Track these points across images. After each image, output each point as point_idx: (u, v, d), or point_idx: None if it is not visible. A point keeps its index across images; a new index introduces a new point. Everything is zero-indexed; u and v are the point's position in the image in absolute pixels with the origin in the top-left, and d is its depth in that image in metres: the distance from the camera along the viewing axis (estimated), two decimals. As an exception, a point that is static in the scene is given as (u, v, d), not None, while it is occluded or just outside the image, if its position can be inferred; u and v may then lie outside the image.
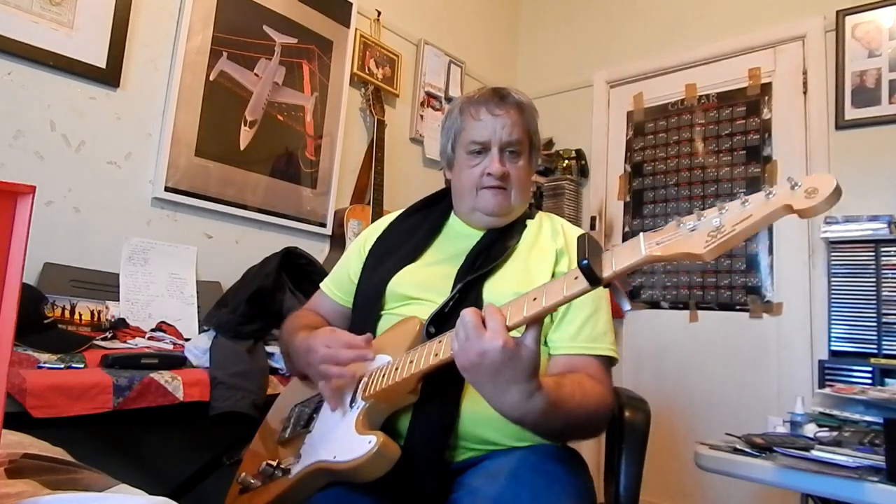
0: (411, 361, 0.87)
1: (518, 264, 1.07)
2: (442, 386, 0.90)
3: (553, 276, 1.04)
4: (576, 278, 0.70)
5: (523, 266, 1.06)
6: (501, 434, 0.95)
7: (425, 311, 0.99)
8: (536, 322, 0.75)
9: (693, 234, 0.64)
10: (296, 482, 0.92)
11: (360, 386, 0.94)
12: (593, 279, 0.68)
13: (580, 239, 0.71)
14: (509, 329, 0.74)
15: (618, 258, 0.68)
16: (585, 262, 0.67)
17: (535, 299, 0.74)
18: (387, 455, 0.83)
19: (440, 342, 0.85)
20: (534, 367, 0.75)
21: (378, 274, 1.11)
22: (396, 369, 0.88)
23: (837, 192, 0.57)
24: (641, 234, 0.68)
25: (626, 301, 0.72)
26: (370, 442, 0.83)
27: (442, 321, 0.95)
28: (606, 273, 0.68)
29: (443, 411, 0.91)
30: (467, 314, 0.76)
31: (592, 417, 0.89)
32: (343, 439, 0.87)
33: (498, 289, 1.01)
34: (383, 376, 0.90)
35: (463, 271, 1.04)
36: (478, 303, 0.99)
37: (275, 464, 0.97)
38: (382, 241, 1.19)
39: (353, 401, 0.92)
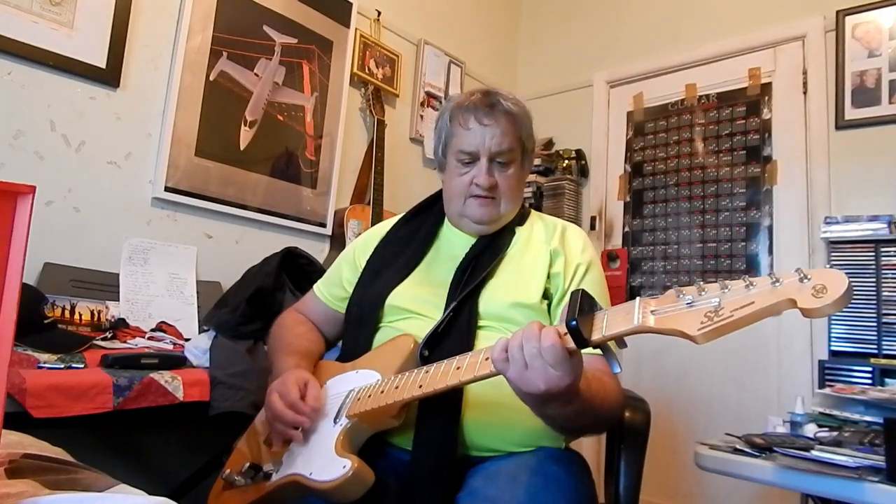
0: (397, 387, 0.87)
1: (511, 272, 1.06)
2: (442, 402, 0.91)
3: (549, 276, 1.04)
4: (564, 334, 0.68)
5: (515, 273, 1.06)
6: (504, 441, 0.95)
7: (421, 326, 0.99)
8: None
9: (690, 311, 0.61)
10: (274, 489, 0.92)
11: (348, 402, 0.93)
12: (580, 341, 0.66)
13: (573, 295, 0.69)
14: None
15: (610, 322, 0.66)
16: (574, 322, 0.65)
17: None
18: (360, 481, 0.83)
19: (427, 372, 0.85)
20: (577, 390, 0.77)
21: (376, 287, 1.11)
22: (382, 392, 0.88)
23: (848, 294, 0.53)
24: (639, 298, 0.66)
25: (617, 363, 0.68)
26: (345, 466, 0.82)
27: (437, 341, 0.96)
28: (595, 336, 0.66)
29: (446, 425, 0.92)
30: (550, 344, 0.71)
31: (612, 407, 0.92)
32: (322, 457, 0.87)
33: (494, 300, 1.01)
34: (369, 397, 0.90)
35: (454, 286, 1.04)
36: (472, 318, 0.99)
37: (257, 466, 0.97)
38: (378, 253, 1.18)
39: (337, 417, 0.92)
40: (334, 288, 1.22)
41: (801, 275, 0.56)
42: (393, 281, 1.09)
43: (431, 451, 0.91)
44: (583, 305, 0.67)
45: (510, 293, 1.02)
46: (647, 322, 0.63)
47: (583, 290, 0.70)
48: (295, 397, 0.93)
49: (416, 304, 1.05)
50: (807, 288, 0.55)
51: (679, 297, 0.63)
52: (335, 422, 0.91)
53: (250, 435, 1.11)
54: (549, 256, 1.06)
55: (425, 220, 1.22)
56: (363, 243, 1.23)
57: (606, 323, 0.66)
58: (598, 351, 0.96)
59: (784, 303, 0.57)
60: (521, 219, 1.17)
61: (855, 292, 2.13)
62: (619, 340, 0.68)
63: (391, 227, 1.24)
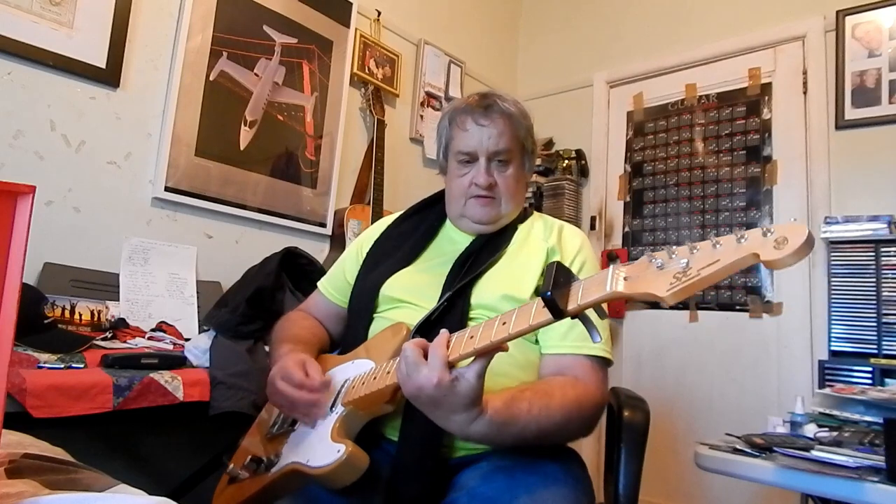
0: (388, 372, 0.87)
1: (506, 267, 1.07)
2: None
3: (543, 273, 1.04)
4: (543, 307, 0.69)
5: (512, 267, 1.06)
6: None
7: (414, 315, 1.00)
8: (485, 355, 0.75)
9: (660, 274, 0.62)
10: (274, 479, 0.93)
11: (343, 390, 0.94)
12: (556, 311, 0.67)
13: (549, 267, 0.70)
14: (453, 363, 0.75)
15: (585, 291, 0.67)
16: (549, 294, 0.66)
17: (504, 323, 0.74)
18: (354, 465, 0.84)
19: None
20: (471, 400, 0.76)
21: (372, 277, 1.12)
22: (374, 378, 0.89)
23: (808, 244, 0.55)
24: (612, 266, 0.67)
25: (597, 333, 0.69)
26: (339, 451, 0.84)
27: (429, 329, 0.96)
28: (571, 306, 0.67)
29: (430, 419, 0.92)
30: (408, 349, 0.78)
31: (559, 426, 0.87)
32: (318, 444, 0.89)
33: (487, 292, 1.02)
34: (363, 384, 0.91)
35: (451, 277, 1.04)
36: (465, 309, 1.00)
37: (259, 458, 0.99)
38: (379, 245, 1.20)
39: (333, 405, 0.93)
40: (337, 282, 1.24)
41: (765, 230, 0.58)
42: (388, 271, 1.11)
43: (416, 440, 0.92)
44: (558, 278, 0.68)
45: (503, 285, 1.02)
46: (617, 288, 0.64)
47: (558, 262, 0.71)
48: (301, 377, 0.94)
49: (411, 293, 1.06)
50: (769, 241, 0.57)
51: (651, 262, 0.64)
52: (331, 410, 0.93)
53: (253, 431, 1.12)
54: (546, 254, 1.06)
55: (427, 216, 1.23)
56: (366, 238, 1.25)
57: (581, 293, 0.67)
58: (579, 350, 0.96)
59: (748, 257, 0.58)
60: (522, 218, 1.18)
61: (855, 292, 2.13)
62: (600, 310, 0.69)
63: (392, 221, 1.26)
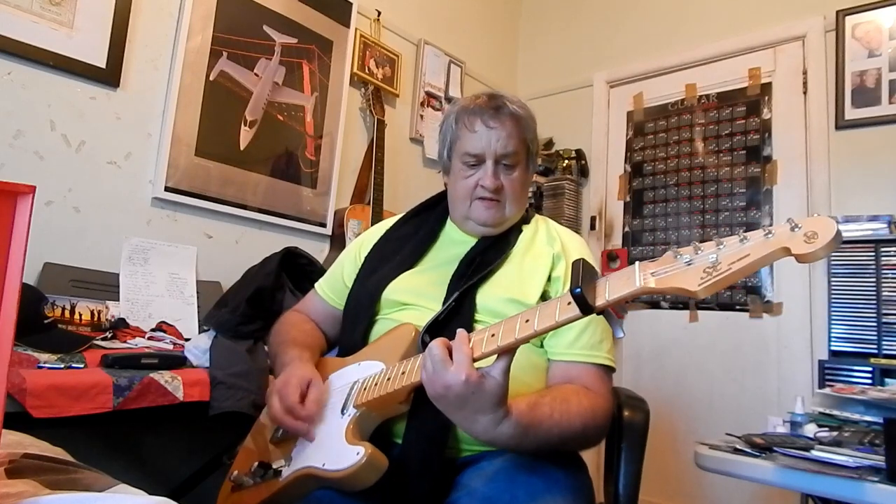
0: (403, 372, 0.87)
1: (512, 269, 1.07)
2: None
3: (549, 279, 1.05)
4: (569, 304, 0.69)
5: (517, 271, 1.06)
6: None
7: (419, 317, 1.00)
8: (508, 352, 0.75)
9: (689, 269, 0.63)
10: (286, 485, 0.92)
11: (353, 392, 0.94)
12: (585, 307, 0.67)
13: (575, 264, 0.71)
14: (477, 360, 0.75)
15: (612, 287, 0.68)
16: (578, 289, 0.67)
17: (527, 321, 0.73)
18: (375, 467, 0.83)
19: None
20: (499, 398, 0.76)
21: (373, 280, 1.11)
22: (389, 379, 0.88)
23: (838, 238, 0.56)
24: (637, 263, 0.68)
25: (620, 329, 0.72)
26: (358, 453, 0.83)
27: (437, 329, 0.96)
28: (599, 302, 0.67)
29: (438, 415, 0.91)
30: (434, 347, 0.77)
31: (578, 433, 0.88)
32: (333, 447, 0.88)
33: (492, 294, 1.02)
34: (376, 385, 0.90)
35: (457, 278, 1.04)
36: (472, 310, 0.99)
37: (266, 464, 0.97)
38: (378, 248, 1.19)
39: (344, 408, 0.92)
40: (335, 284, 1.23)
41: (793, 224, 0.59)
42: (390, 275, 1.10)
43: (422, 442, 0.91)
44: (584, 274, 0.69)
45: (509, 289, 1.02)
46: (648, 283, 0.65)
47: (583, 259, 0.71)
48: (293, 401, 0.93)
49: (414, 296, 1.06)
50: (798, 236, 0.58)
51: (677, 258, 0.65)
52: (343, 413, 0.92)
53: (256, 434, 1.11)
54: (553, 260, 1.06)
55: (427, 218, 1.22)
56: (365, 240, 1.24)
57: (609, 288, 0.68)
58: (587, 358, 0.97)
59: (778, 251, 0.59)
60: (525, 219, 1.18)
61: (855, 292, 2.12)
62: (619, 308, 0.70)
63: (391, 224, 1.25)
